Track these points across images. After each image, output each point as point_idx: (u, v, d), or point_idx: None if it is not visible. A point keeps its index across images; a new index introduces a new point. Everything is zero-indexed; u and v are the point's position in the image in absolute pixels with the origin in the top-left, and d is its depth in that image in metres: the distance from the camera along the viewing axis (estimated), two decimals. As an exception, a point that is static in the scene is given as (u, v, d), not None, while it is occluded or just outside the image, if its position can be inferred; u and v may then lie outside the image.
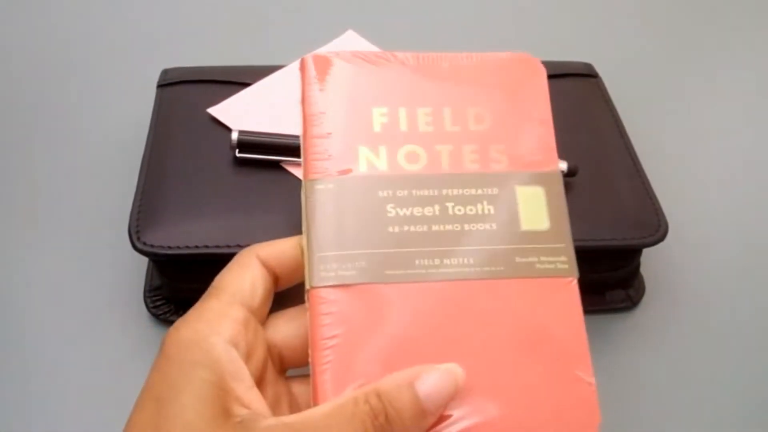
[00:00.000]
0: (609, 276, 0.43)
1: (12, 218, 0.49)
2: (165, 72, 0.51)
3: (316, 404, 0.27)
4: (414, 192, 0.30)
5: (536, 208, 0.31)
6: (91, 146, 0.53)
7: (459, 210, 0.30)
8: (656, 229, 0.41)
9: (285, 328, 0.30)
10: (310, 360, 0.28)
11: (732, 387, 0.41)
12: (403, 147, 0.31)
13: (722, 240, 0.48)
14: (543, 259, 0.30)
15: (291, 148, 0.43)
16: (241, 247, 0.39)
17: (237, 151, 0.43)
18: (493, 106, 0.33)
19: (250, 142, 0.43)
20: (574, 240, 0.40)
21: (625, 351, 0.42)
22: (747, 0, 0.69)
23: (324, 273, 0.28)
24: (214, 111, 0.47)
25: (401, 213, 0.30)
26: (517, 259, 0.29)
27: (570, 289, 0.30)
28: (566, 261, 0.30)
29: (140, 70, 0.58)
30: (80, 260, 0.46)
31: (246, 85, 0.49)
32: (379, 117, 0.32)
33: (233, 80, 0.49)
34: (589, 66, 0.52)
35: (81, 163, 0.52)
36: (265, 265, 0.30)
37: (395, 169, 0.31)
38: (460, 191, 0.30)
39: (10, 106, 0.57)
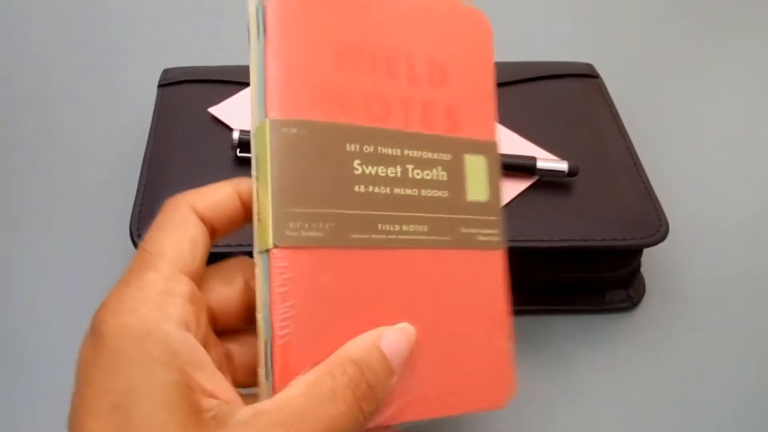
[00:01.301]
0: (609, 276, 0.43)
1: (13, 218, 0.49)
2: (166, 71, 0.51)
3: (278, 380, 0.25)
4: (379, 149, 0.28)
5: (479, 179, 0.30)
6: (93, 146, 0.54)
7: (418, 174, 0.29)
8: (657, 229, 0.41)
9: (221, 289, 0.28)
10: (261, 327, 0.25)
11: (732, 387, 0.41)
12: (370, 94, 0.28)
13: (723, 240, 0.48)
14: (482, 231, 0.30)
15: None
16: (242, 246, 0.39)
17: (238, 150, 0.43)
18: (452, 63, 0.31)
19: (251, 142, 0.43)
20: (575, 240, 0.40)
21: (625, 351, 0.42)
22: (748, 0, 0.69)
23: (289, 232, 0.25)
24: (215, 110, 0.47)
25: (367, 171, 0.27)
26: (462, 230, 0.30)
27: (499, 261, 0.31)
28: (498, 234, 0.31)
29: (141, 69, 0.58)
30: (81, 260, 0.46)
31: (247, 84, 0.48)
32: (346, 56, 0.28)
33: (234, 80, 0.49)
34: (589, 66, 0.52)
35: (82, 163, 0.52)
36: (202, 219, 0.27)
37: (362, 120, 0.28)
38: (420, 153, 0.29)
39: (11, 105, 0.57)
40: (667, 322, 0.44)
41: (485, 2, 0.70)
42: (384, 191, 0.28)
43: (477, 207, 0.30)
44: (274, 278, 0.25)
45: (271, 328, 0.25)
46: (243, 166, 0.44)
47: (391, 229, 0.28)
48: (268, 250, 0.25)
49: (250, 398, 0.25)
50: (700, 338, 0.43)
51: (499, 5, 0.68)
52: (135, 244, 0.39)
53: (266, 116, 0.26)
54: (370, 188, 0.27)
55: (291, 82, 0.27)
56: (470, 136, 0.30)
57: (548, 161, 0.43)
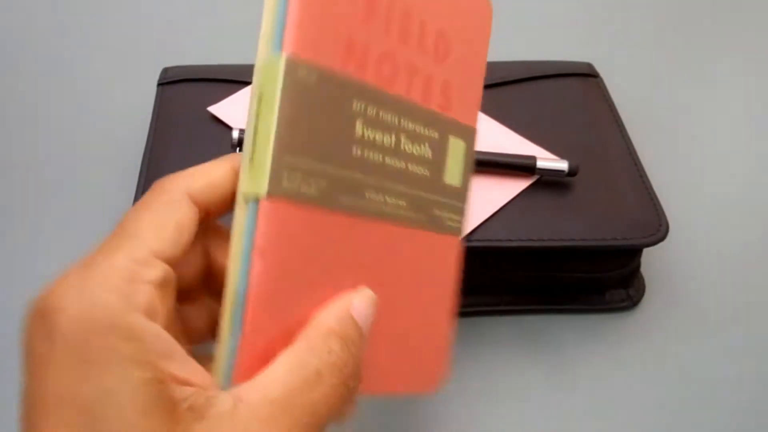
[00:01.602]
0: (609, 275, 0.43)
1: (11, 216, 0.49)
2: (165, 70, 0.51)
3: (248, 336, 0.23)
4: (381, 114, 0.27)
5: (457, 163, 0.30)
6: (92, 145, 0.53)
7: (408, 147, 0.28)
8: (657, 229, 0.41)
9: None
10: (234, 279, 0.24)
11: (732, 386, 0.41)
12: (382, 53, 0.27)
13: (723, 240, 0.48)
14: (452, 216, 0.30)
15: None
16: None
17: (237, 149, 0.43)
18: (455, 39, 0.29)
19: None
20: (575, 239, 0.40)
21: (625, 350, 0.42)
22: (748, 0, 0.69)
23: (287, 183, 0.24)
24: (215, 109, 0.47)
25: (366, 135, 0.26)
26: (435, 212, 0.29)
27: (458, 247, 0.31)
28: (461, 221, 0.31)
29: (141, 68, 0.58)
30: (80, 257, 0.46)
31: (246, 83, 0.49)
32: (367, 8, 0.26)
33: (234, 79, 0.49)
34: (589, 66, 0.52)
35: (81, 162, 0.52)
36: (195, 202, 0.25)
37: (371, 78, 0.26)
38: (414, 126, 0.28)
39: (9, 103, 0.57)
40: (667, 321, 0.44)
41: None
42: (377, 158, 0.27)
43: (451, 191, 0.30)
44: (261, 229, 0.23)
45: (247, 280, 0.23)
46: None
47: (376, 198, 0.27)
48: (258, 199, 0.23)
49: (204, 359, 0.24)
50: (700, 337, 0.43)
51: (499, 4, 0.68)
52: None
53: (281, 51, 0.24)
54: (366, 153, 0.26)
55: (314, 21, 0.24)
56: (457, 118, 0.30)
57: (548, 161, 0.43)
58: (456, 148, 0.30)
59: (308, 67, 0.24)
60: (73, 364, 0.20)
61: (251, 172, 0.24)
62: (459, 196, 0.30)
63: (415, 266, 0.29)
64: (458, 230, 0.31)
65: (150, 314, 0.22)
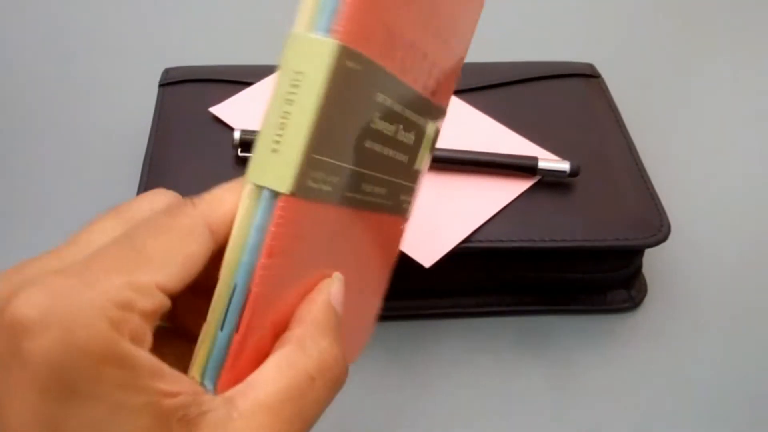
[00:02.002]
0: (611, 276, 0.43)
1: (13, 217, 0.49)
2: (167, 71, 0.51)
3: (243, 331, 0.22)
4: (393, 105, 0.25)
5: (426, 147, 0.29)
6: (94, 145, 0.53)
7: (401, 135, 0.26)
8: (658, 229, 0.41)
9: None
10: (232, 268, 0.22)
11: (734, 388, 0.41)
12: (409, 42, 0.25)
13: (725, 240, 0.48)
14: (407, 199, 0.30)
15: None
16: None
17: (239, 150, 0.43)
18: (458, 23, 0.28)
19: (252, 141, 0.43)
20: (577, 240, 0.40)
21: (627, 351, 0.42)
22: (750, 3, 0.69)
23: (311, 182, 0.22)
24: (216, 110, 0.47)
25: (379, 127, 0.24)
26: (401, 197, 0.29)
27: (403, 229, 0.31)
28: (412, 202, 0.30)
29: (142, 69, 0.58)
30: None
31: (248, 84, 0.49)
32: None
33: (235, 79, 0.49)
34: (590, 66, 0.52)
35: (83, 163, 0.52)
36: (212, 233, 0.23)
37: (394, 68, 0.24)
38: (410, 115, 0.26)
39: (12, 104, 0.57)
40: (669, 322, 0.44)
41: (487, 2, 0.70)
42: (378, 149, 0.25)
43: (415, 175, 0.30)
44: (275, 227, 0.22)
45: (250, 275, 0.22)
46: (244, 166, 0.43)
47: (368, 190, 0.26)
48: (277, 193, 0.21)
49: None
50: (701, 338, 0.43)
51: (501, 4, 0.68)
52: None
53: (330, 34, 0.21)
54: (374, 145, 0.25)
55: (367, 4, 0.22)
56: (441, 103, 0.29)
57: (550, 161, 0.43)
58: (430, 132, 0.29)
59: (356, 55, 0.22)
60: (54, 396, 0.18)
61: (272, 161, 0.22)
62: (416, 179, 0.30)
63: (372, 246, 0.28)
64: (408, 211, 0.30)
65: (138, 341, 0.20)
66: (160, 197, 0.24)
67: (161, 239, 0.21)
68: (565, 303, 0.44)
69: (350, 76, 0.22)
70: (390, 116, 0.25)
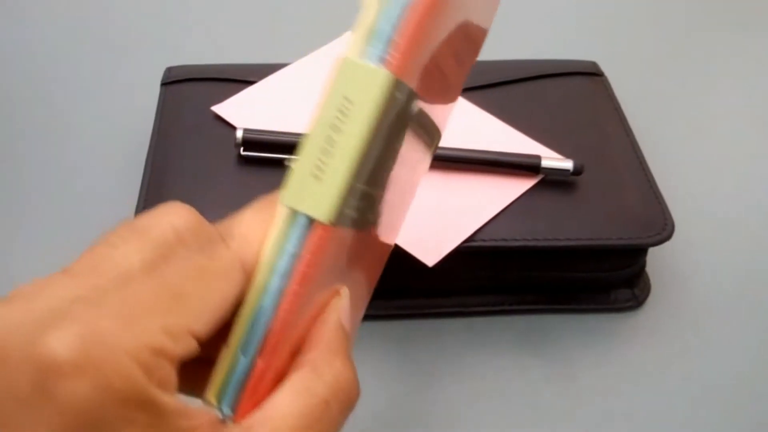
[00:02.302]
0: (614, 275, 0.43)
1: (16, 216, 0.49)
2: (169, 70, 0.51)
3: (267, 356, 0.22)
4: (417, 129, 0.25)
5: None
6: (96, 145, 0.53)
7: (405, 150, 0.26)
8: (662, 228, 0.41)
9: None
10: (260, 289, 0.22)
11: (738, 387, 0.41)
12: (437, 64, 0.24)
13: (728, 239, 0.48)
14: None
15: (296, 146, 0.43)
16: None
17: (242, 149, 0.43)
18: (478, 35, 0.28)
19: (254, 140, 0.43)
20: (580, 239, 0.40)
21: (631, 350, 0.42)
22: (753, 2, 0.69)
23: (348, 211, 0.22)
24: (219, 109, 0.47)
25: (401, 151, 0.24)
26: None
27: (391, 245, 0.31)
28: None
29: (144, 68, 0.58)
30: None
31: (250, 83, 0.49)
32: (445, 15, 0.23)
33: (237, 78, 0.49)
34: (594, 64, 0.52)
35: (86, 162, 0.52)
36: (245, 272, 0.23)
37: (424, 93, 0.24)
38: (418, 129, 0.26)
39: (14, 104, 0.57)
40: (673, 321, 0.44)
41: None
42: (391, 170, 0.25)
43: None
44: (311, 256, 0.21)
45: (278, 300, 0.22)
46: (246, 165, 0.43)
47: (379, 209, 0.26)
48: (314, 221, 0.21)
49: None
50: (705, 337, 0.43)
51: (504, 4, 0.68)
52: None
53: (384, 65, 0.21)
54: (395, 168, 0.25)
55: (421, 37, 0.22)
56: (440, 126, 0.29)
57: (553, 160, 0.43)
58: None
59: (402, 86, 0.22)
60: None
61: (312, 187, 0.21)
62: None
63: (368, 259, 0.28)
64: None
65: (166, 386, 0.20)
66: (180, 215, 0.23)
67: (198, 283, 0.21)
68: (568, 302, 0.44)
69: (395, 106, 0.22)
70: (406, 138, 0.25)
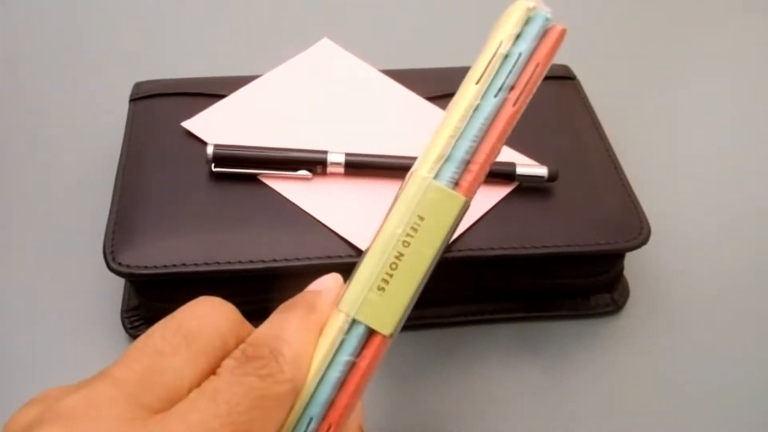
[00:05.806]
0: (593, 280, 0.43)
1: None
2: (137, 85, 0.50)
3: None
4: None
5: None
6: (64, 163, 0.52)
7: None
8: (639, 233, 0.41)
9: None
10: (311, 389, 0.23)
11: (717, 390, 0.41)
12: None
13: (705, 242, 0.48)
14: None
15: (268, 161, 0.42)
16: (219, 264, 0.38)
17: (213, 165, 0.43)
18: None
19: (226, 156, 0.43)
20: (557, 246, 0.40)
21: (611, 355, 0.42)
22: (724, 1, 0.70)
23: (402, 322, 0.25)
24: (189, 124, 0.46)
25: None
26: None
27: None
28: None
29: (112, 84, 0.57)
30: (55, 279, 0.45)
31: (221, 96, 0.48)
32: None
33: (208, 92, 0.48)
34: (566, 68, 0.52)
35: (53, 180, 0.51)
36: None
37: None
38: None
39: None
40: (652, 324, 0.44)
41: (457, 4, 0.70)
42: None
43: None
44: (368, 368, 0.22)
45: (326, 408, 0.22)
46: (219, 180, 0.43)
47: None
48: (374, 331, 0.22)
49: None
50: (684, 340, 0.43)
51: (471, 7, 0.68)
52: (109, 265, 0.38)
53: (456, 188, 0.23)
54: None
55: (492, 155, 0.25)
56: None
57: (527, 167, 0.42)
58: None
59: (468, 204, 0.23)
60: None
61: (376, 300, 0.22)
62: None
63: None
64: None
65: None
66: (223, 314, 0.23)
67: (255, 412, 0.21)
68: (547, 309, 0.44)
69: (457, 224, 0.23)
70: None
